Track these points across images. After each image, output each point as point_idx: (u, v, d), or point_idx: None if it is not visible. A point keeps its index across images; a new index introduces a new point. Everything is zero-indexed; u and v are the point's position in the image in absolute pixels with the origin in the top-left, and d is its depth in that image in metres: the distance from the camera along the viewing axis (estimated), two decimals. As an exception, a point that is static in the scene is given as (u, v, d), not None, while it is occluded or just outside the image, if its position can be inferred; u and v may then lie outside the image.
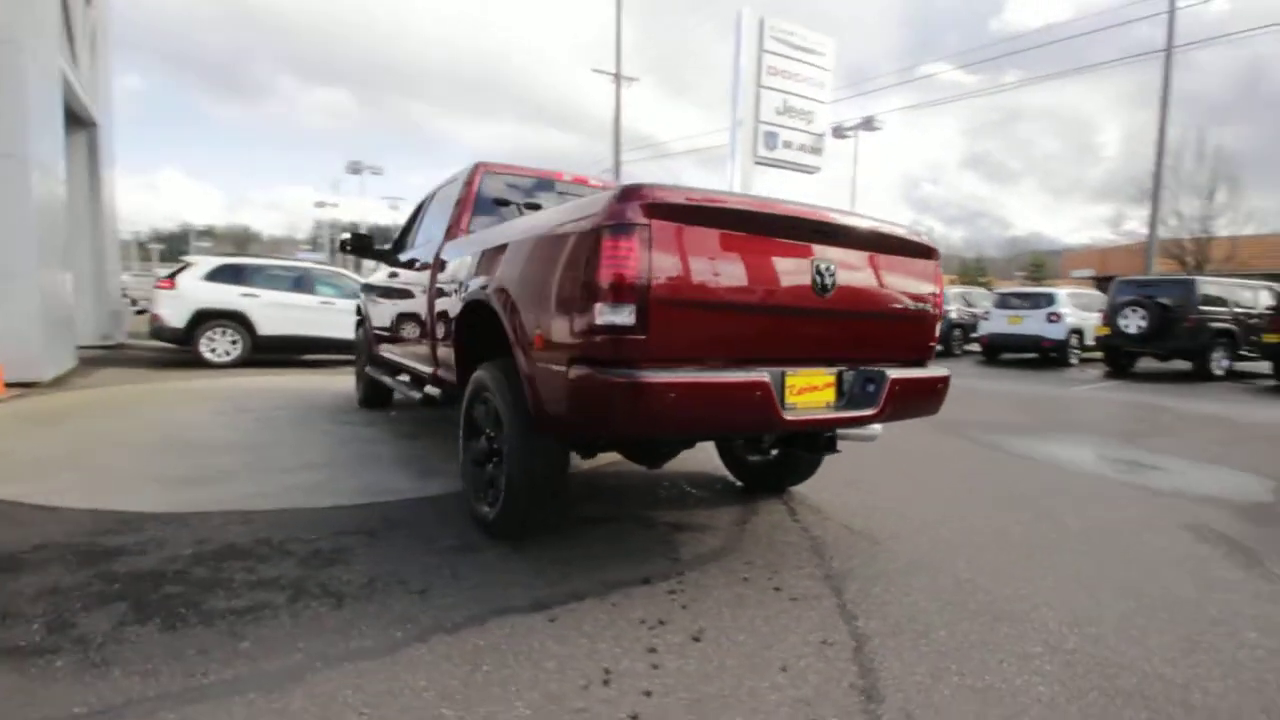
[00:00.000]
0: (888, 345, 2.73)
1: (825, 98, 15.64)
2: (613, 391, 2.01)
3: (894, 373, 2.60)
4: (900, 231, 2.70)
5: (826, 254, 2.41)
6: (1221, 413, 7.22)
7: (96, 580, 2.26)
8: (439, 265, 3.57)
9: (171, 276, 8.66)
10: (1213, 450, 5.22)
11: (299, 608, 2.13)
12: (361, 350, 5.64)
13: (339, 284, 9.38)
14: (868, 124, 21.61)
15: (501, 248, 2.71)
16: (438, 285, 3.53)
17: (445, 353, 3.45)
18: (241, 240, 70.80)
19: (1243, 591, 2.54)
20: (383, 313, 4.93)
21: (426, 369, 3.84)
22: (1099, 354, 12.34)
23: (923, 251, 2.78)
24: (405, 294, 4.28)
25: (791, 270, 2.33)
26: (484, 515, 2.78)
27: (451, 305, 3.26)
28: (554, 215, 2.44)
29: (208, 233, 67.20)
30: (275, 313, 8.65)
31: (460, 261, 3.26)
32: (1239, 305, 11.23)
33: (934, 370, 2.88)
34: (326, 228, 46.31)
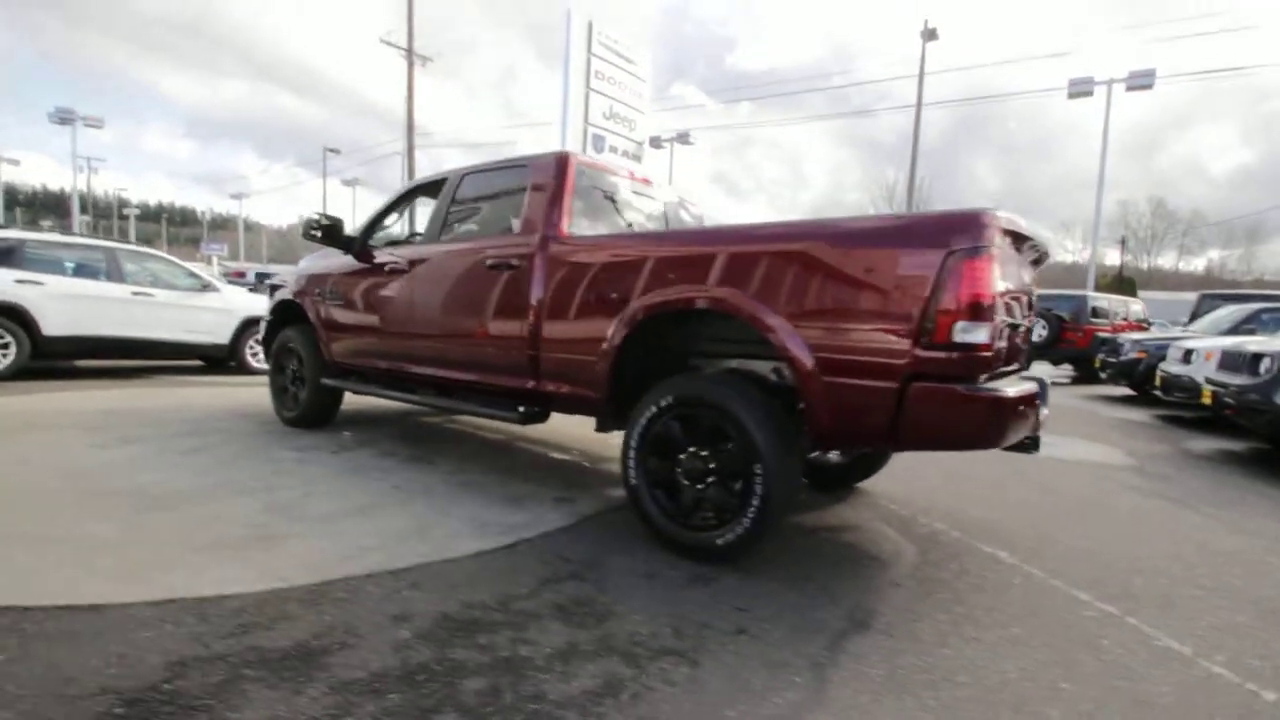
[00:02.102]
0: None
1: (644, 107, 16.49)
2: (977, 406, 2.06)
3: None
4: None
5: (1025, 273, 2.72)
6: (1085, 408, 9.08)
7: (341, 709, 1.62)
8: (553, 264, 3.11)
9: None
10: (1087, 432, 6.67)
11: (656, 670, 1.79)
12: (304, 358, 4.55)
13: (159, 271, 7.31)
14: (683, 138, 23.26)
15: (752, 256, 2.50)
16: (554, 287, 3.08)
17: (567, 362, 3.04)
18: None
19: (1202, 527, 3.47)
20: (376, 314, 4.05)
21: (511, 380, 3.32)
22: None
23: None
24: (447, 293, 3.61)
25: (1018, 284, 2.59)
26: (701, 541, 2.56)
27: (591, 312, 2.91)
28: (861, 228, 2.38)
29: None
30: (67, 307, 6.44)
31: (600, 263, 2.92)
32: (1118, 316, 12.73)
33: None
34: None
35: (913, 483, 3.99)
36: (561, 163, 3.33)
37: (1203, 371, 6.41)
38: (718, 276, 2.55)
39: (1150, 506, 3.84)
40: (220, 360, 7.91)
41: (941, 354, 2.09)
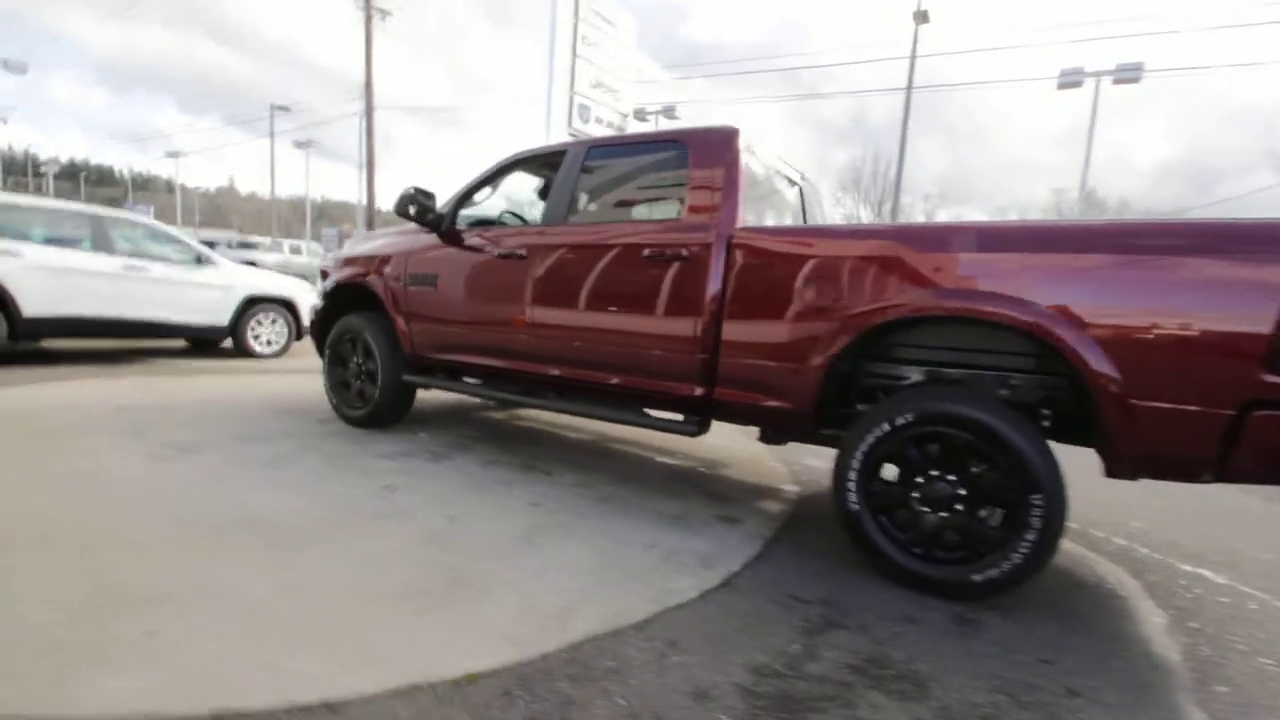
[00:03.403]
0: None
1: (629, 76, 15.90)
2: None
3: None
4: None
5: None
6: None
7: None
8: (744, 257, 2.73)
9: None
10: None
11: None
12: (377, 351, 4.00)
13: (151, 242, 6.44)
14: (669, 111, 22.61)
15: (1052, 261, 2.17)
16: (742, 284, 2.71)
17: (757, 368, 2.69)
18: None
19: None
20: (484, 304, 3.55)
21: (667, 385, 2.94)
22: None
23: None
24: (587, 284, 3.14)
25: None
26: (952, 577, 2.29)
27: (798, 314, 2.56)
28: (1196, 232, 2.09)
29: None
30: (50, 282, 5.57)
31: (817, 259, 2.56)
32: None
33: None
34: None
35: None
36: (730, 141, 2.93)
37: None
38: (998, 282, 2.23)
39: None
40: (211, 343, 7.15)
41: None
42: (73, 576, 2.03)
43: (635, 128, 17.78)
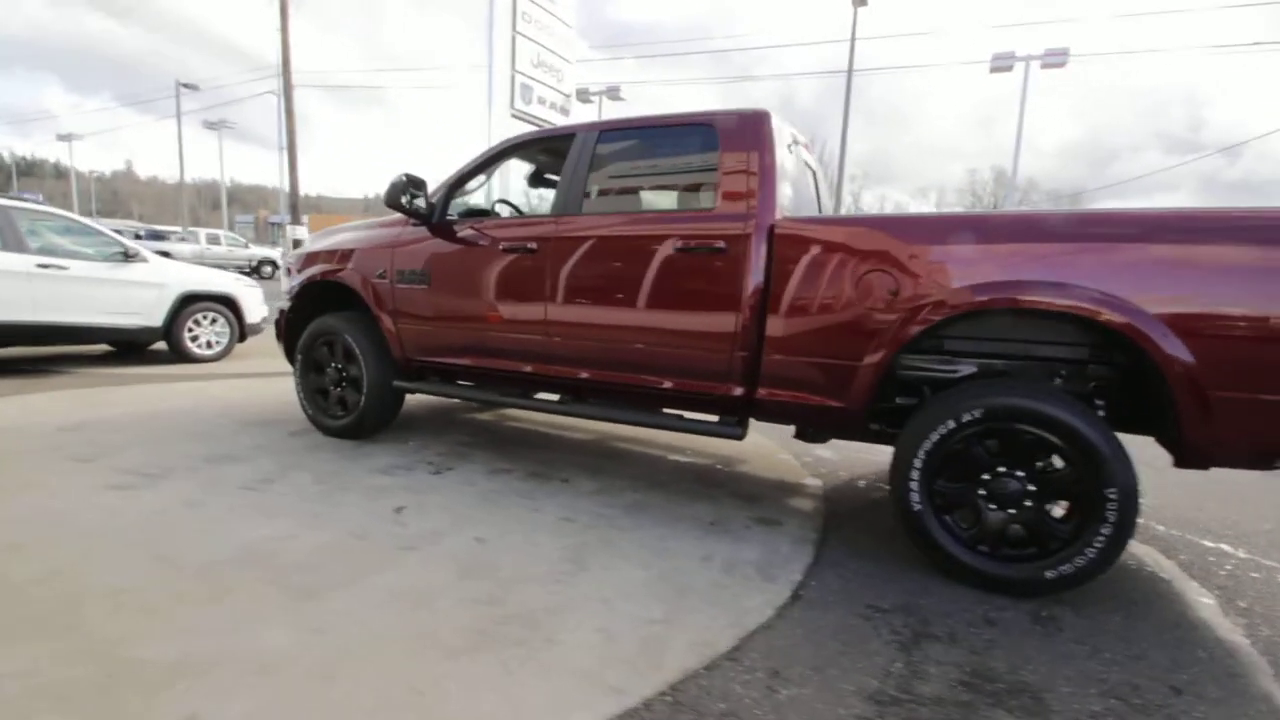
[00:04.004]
0: None
1: (571, 56, 15.50)
2: None
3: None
4: None
5: None
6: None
7: None
8: (788, 248, 2.57)
9: None
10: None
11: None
12: (361, 355, 3.64)
13: (69, 237, 5.70)
14: (613, 92, 22.07)
15: (1143, 251, 2.11)
16: (789, 277, 2.56)
17: (804, 365, 2.56)
18: None
19: None
20: (489, 301, 3.26)
21: (701, 385, 2.78)
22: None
23: None
24: (610, 279, 2.92)
25: None
26: (1023, 574, 2.25)
27: (854, 308, 2.43)
28: None
29: None
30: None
31: (873, 251, 2.44)
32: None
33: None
34: None
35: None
36: (764, 124, 2.77)
37: None
38: (1081, 274, 2.15)
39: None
40: (140, 346, 6.47)
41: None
42: (73, 659, 1.69)
43: (578, 109, 17.33)
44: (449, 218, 3.46)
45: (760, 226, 2.64)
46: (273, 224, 54.02)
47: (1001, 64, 16.83)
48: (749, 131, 2.76)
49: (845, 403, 2.53)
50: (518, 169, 3.98)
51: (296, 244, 21.63)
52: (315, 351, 3.85)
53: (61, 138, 45.88)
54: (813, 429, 2.85)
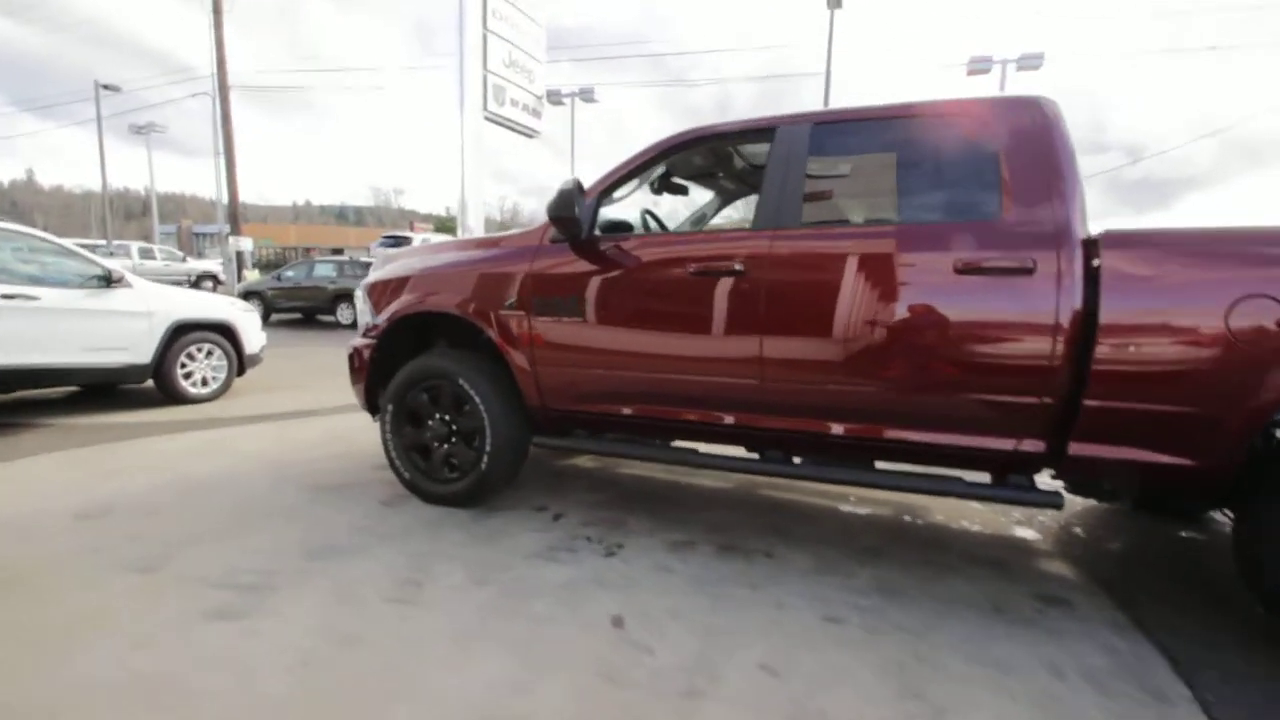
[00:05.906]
0: None
1: (541, 56, 14.88)
2: None
3: None
4: None
5: None
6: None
7: None
8: (1129, 265, 2.04)
9: None
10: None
11: None
12: (484, 404, 2.91)
13: (40, 261, 4.62)
14: (587, 94, 21.23)
15: None
16: (1124, 303, 2.03)
17: (1144, 415, 2.04)
18: None
19: None
20: (674, 336, 2.61)
21: (982, 440, 2.24)
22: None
23: None
24: (853, 308, 2.30)
25: None
26: None
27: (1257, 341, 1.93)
28: None
29: None
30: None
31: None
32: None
33: None
34: None
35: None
36: (1055, 116, 2.25)
37: None
38: None
39: None
40: (113, 386, 5.45)
41: None
42: None
43: (549, 111, 16.65)
44: (595, 234, 2.80)
45: (1070, 241, 2.12)
46: (198, 234, 50.36)
47: (978, 67, 17.12)
48: (1037, 126, 2.24)
49: (1198, 461, 2.03)
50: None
51: (239, 256, 20.04)
52: (412, 400, 3.09)
53: (-50, 143, 41.34)
54: (1147, 493, 2.34)
